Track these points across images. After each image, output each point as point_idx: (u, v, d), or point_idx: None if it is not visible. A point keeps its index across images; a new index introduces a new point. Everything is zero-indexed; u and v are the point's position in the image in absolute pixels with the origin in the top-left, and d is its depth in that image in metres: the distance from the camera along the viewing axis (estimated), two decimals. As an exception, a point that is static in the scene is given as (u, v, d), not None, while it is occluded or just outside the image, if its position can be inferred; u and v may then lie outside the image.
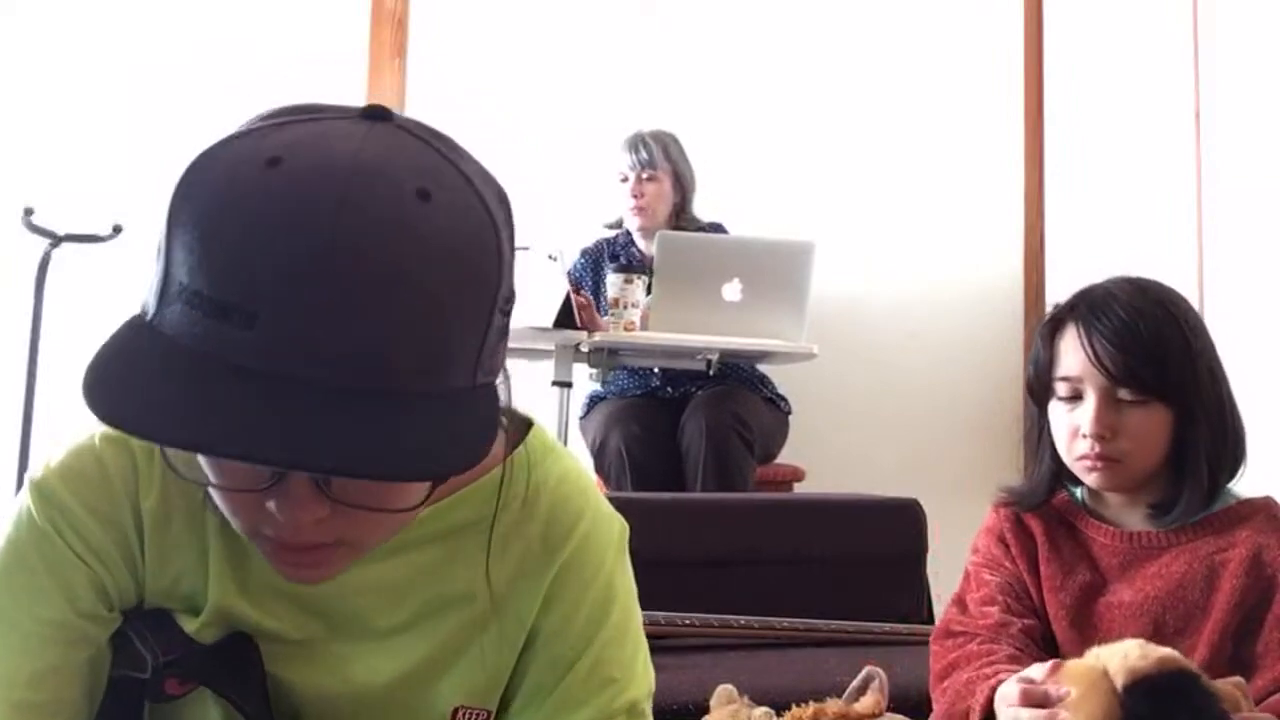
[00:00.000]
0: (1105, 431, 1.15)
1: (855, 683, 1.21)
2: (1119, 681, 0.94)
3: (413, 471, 0.61)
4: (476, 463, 0.62)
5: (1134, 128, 3.57)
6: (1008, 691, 1.03)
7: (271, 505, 0.64)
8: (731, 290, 2.37)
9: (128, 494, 0.75)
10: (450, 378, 0.62)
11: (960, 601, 1.26)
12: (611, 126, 2.96)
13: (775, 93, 3.35)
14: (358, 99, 3.06)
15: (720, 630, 1.78)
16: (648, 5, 3.32)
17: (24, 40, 2.98)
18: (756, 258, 2.43)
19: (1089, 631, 1.18)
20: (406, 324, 0.59)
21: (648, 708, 0.85)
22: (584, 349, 2.41)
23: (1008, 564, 1.25)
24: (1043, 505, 1.26)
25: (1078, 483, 1.25)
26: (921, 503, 2.13)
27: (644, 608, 0.88)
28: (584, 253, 2.94)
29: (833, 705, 1.18)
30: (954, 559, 1.42)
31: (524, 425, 0.84)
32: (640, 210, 2.84)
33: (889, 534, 2.12)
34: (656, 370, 2.78)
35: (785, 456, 2.84)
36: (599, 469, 2.59)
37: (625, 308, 2.39)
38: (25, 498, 0.75)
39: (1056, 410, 1.21)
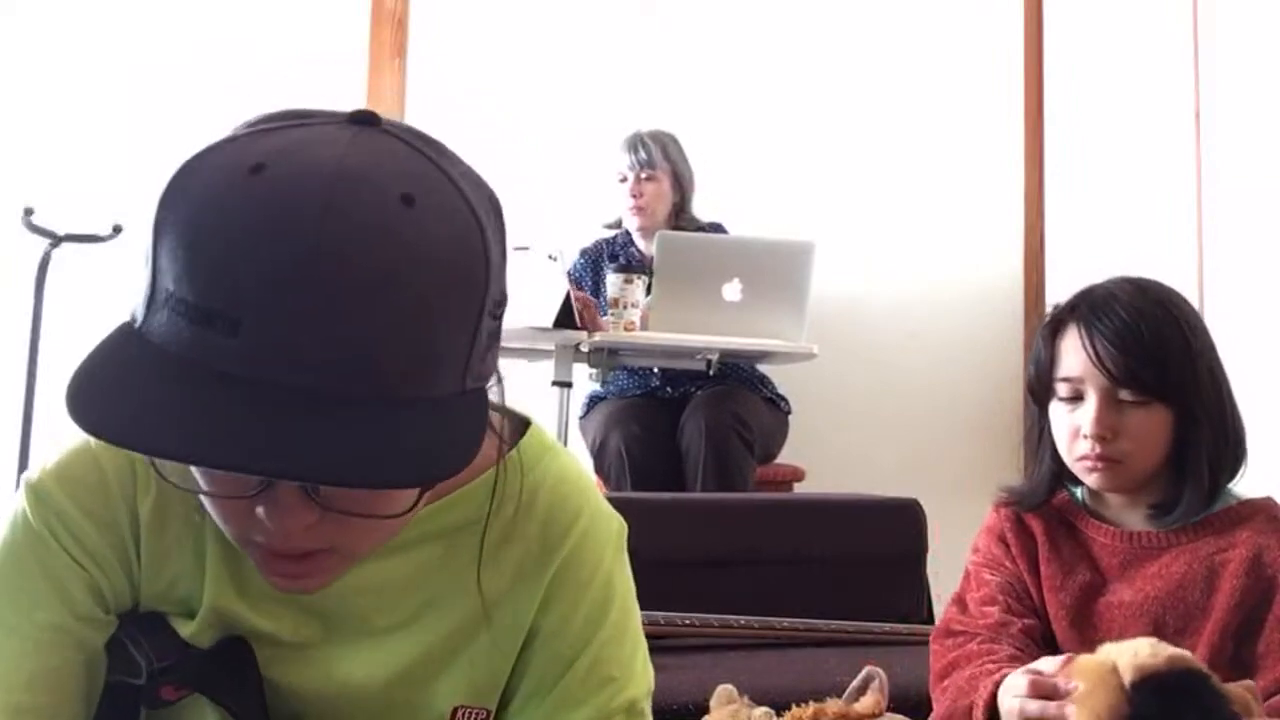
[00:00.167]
0: (1106, 432, 1.15)
1: (855, 683, 1.21)
2: (1127, 678, 0.94)
3: (396, 479, 0.61)
4: (462, 469, 0.62)
5: (1134, 128, 3.57)
6: (1014, 683, 1.03)
7: (260, 512, 0.64)
8: (731, 290, 2.37)
9: (124, 496, 0.75)
10: (438, 382, 0.62)
11: (960, 601, 1.26)
12: (611, 126, 2.96)
13: (775, 93, 3.34)
14: (358, 99, 3.06)
15: (720, 630, 1.77)
16: (648, 5, 3.32)
17: (24, 40, 2.98)
18: (756, 258, 2.42)
19: (1089, 631, 1.18)
20: (392, 329, 0.59)
21: (647, 706, 0.85)
22: (584, 349, 2.41)
23: (1008, 564, 1.25)
24: (1043, 505, 1.26)
25: (1078, 483, 1.25)
26: (921, 503, 2.13)
27: (644, 608, 0.88)
28: (583, 253, 2.93)
29: (833, 705, 1.18)
30: (954, 559, 1.42)
31: (521, 425, 0.84)
32: (639, 210, 2.84)
33: (889, 534, 2.12)
34: (656, 370, 2.78)
35: (785, 456, 2.84)
36: (599, 469, 2.59)
37: (625, 308, 2.39)
38: (21, 500, 0.75)
39: (1057, 411, 1.21)
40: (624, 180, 2.85)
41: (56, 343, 2.53)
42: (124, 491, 0.75)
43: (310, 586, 0.70)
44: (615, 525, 0.86)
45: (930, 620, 1.99)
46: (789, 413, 2.86)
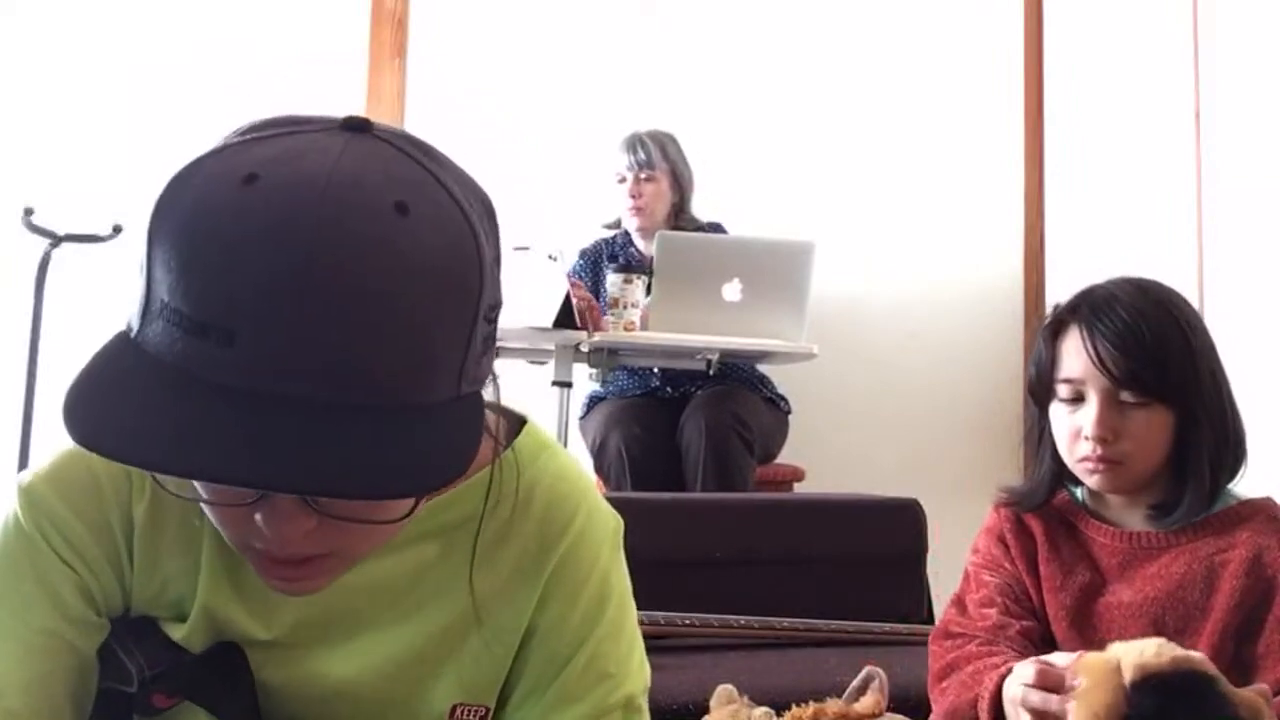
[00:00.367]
0: (1107, 434, 1.15)
1: (855, 683, 1.21)
2: (1128, 677, 0.93)
3: (393, 489, 0.61)
4: (460, 475, 0.62)
5: (1134, 128, 3.57)
6: (1023, 671, 1.02)
7: (259, 519, 0.64)
8: (731, 290, 2.37)
9: (118, 500, 0.75)
10: (434, 389, 0.62)
11: (959, 602, 1.26)
12: (611, 126, 2.96)
13: (775, 93, 3.34)
14: (358, 99, 3.06)
15: (720, 630, 1.77)
16: (648, 5, 3.32)
17: (24, 40, 2.98)
18: (756, 258, 2.42)
19: (1089, 632, 1.18)
20: (387, 338, 0.59)
21: (643, 703, 0.85)
22: (584, 349, 2.41)
23: (1007, 565, 1.24)
24: (1043, 505, 1.26)
25: (1078, 483, 1.25)
26: (921, 503, 2.13)
27: (644, 608, 0.88)
28: (583, 253, 2.93)
29: (833, 705, 1.18)
30: (954, 559, 1.42)
31: (518, 423, 0.84)
32: (638, 210, 2.84)
33: (889, 534, 2.12)
34: (656, 370, 2.78)
35: (785, 456, 2.84)
36: (599, 469, 2.59)
37: (625, 308, 2.39)
38: (13, 503, 0.75)
39: (1058, 411, 1.21)
40: (623, 180, 2.84)
41: (56, 343, 2.53)
42: (118, 495, 0.75)
43: (310, 589, 0.71)
44: (612, 523, 0.87)
45: (930, 620, 1.98)
46: (789, 413, 2.86)
